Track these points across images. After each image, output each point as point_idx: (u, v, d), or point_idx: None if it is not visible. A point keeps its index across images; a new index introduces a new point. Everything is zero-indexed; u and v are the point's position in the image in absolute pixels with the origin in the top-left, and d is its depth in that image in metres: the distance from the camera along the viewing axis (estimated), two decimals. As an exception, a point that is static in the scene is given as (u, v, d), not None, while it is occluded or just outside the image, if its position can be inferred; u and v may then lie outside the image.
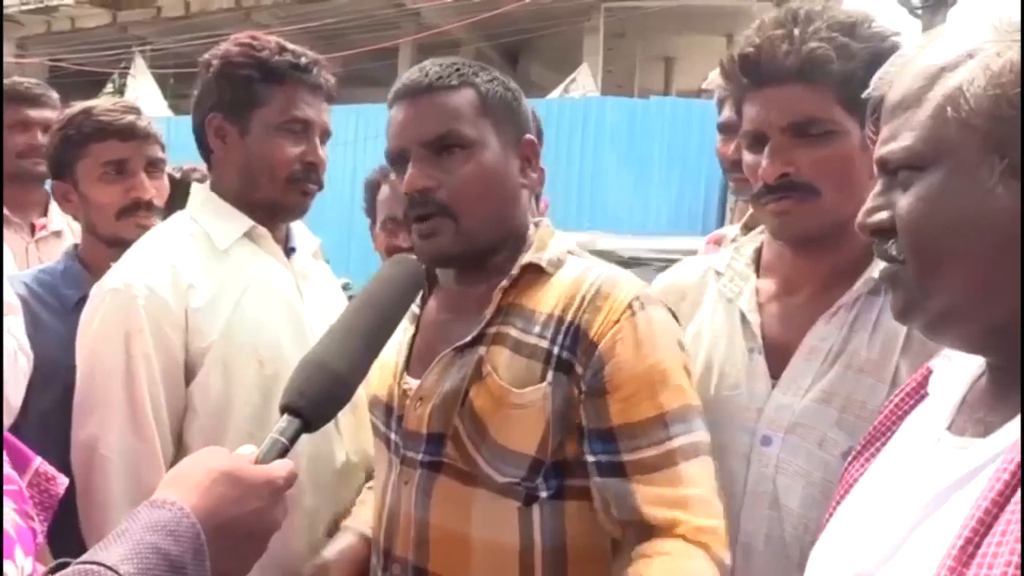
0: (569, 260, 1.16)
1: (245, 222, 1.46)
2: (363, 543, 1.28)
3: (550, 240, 1.18)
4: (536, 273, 1.14)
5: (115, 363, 1.34)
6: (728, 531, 1.02)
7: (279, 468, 0.80)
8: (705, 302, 1.29)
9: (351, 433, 1.48)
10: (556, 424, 1.06)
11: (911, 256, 0.71)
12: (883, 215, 0.73)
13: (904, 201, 0.71)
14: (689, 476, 1.02)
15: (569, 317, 1.08)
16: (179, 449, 1.39)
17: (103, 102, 1.76)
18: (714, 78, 1.82)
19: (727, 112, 1.80)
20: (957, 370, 0.79)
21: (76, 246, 1.82)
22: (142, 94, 13.81)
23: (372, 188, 2.14)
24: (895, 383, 1.09)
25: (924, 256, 0.70)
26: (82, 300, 1.57)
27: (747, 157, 1.18)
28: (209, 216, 1.47)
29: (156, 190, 1.75)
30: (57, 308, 1.64)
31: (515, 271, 1.13)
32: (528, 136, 1.19)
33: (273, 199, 1.47)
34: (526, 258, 1.14)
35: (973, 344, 0.72)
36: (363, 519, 1.32)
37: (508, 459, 1.07)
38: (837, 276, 1.17)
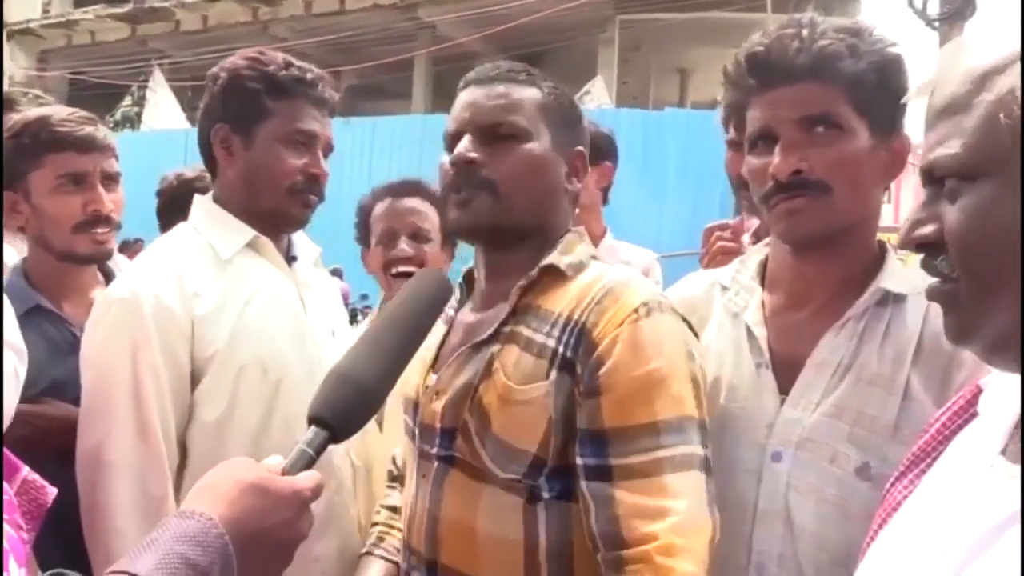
0: (592, 265, 1.17)
1: (247, 232, 1.49)
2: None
3: (577, 246, 1.18)
4: (556, 276, 1.14)
5: (122, 372, 1.35)
6: (710, 546, 0.98)
7: (306, 480, 0.80)
8: (712, 317, 1.26)
9: (355, 437, 1.50)
10: (559, 424, 1.06)
11: (964, 274, 0.65)
12: (929, 228, 0.68)
13: (953, 214, 0.65)
14: (673, 488, 0.99)
15: (576, 316, 1.08)
16: (183, 456, 1.41)
17: (58, 110, 1.70)
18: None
19: (734, 130, 1.79)
20: (1010, 389, 0.73)
21: (24, 260, 1.73)
22: (161, 106, 13.96)
23: (365, 212, 2.07)
24: (906, 396, 1.07)
25: (978, 274, 0.64)
26: (23, 317, 1.55)
27: (752, 161, 1.16)
28: (212, 226, 1.50)
29: (113, 203, 1.69)
30: None
31: (534, 272, 1.14)
32: (579, 148, 1.21)
33: (275, 209, 1.49)
34: (547, 260, 1.15)
35: None
36: (392, 544, 1.33)
37: (510, 455, 1.07)
38: (844, 287, 1.15)
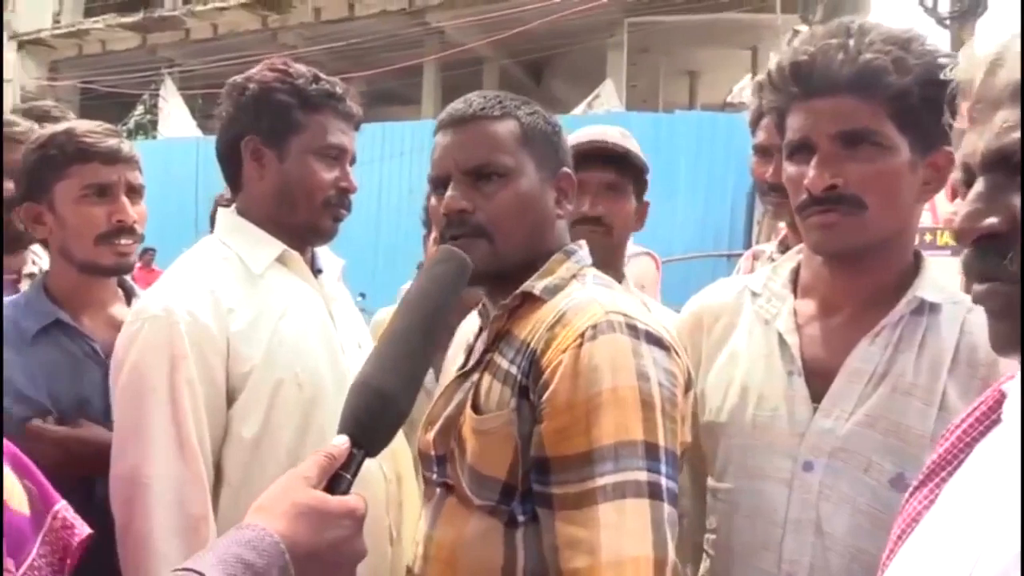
0: (570, 286, 1.15)
1: (277, 246, 1.48)
2: None
3: (559, 267, 1.17)
4: (533, 301, 1.14)
5: (159, 391, 1.32)
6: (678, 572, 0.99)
7: (356, 500, 0.82)
8: (741, 324, 1.25)
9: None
10: (526, 450, 1.06)
11: None
12: (996, 219, 0.60)
13: None
14: (605, 519, 0.97)
15: (531, 343, 1.09)
16: (217, 474, 1.38)
17: (84, 123, 1.71)
18: (746, 97, 1.78)
19: (762, 134, 1.76)
20: None
21: (46, 274, 1.73)
22: (172, 115, 14.03)
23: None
24: (943, 406, 1.06)
25: None
26: (41, 332, 1.57)
27: (789, 169, 1.15)
28: (241, 240, 1.48)
29: (137, 215, 1.69)
30: (14, 340, 1.57)
31: (509, 300, 1.15)
32: (565, 170, 1.22)
33: (308, 223, 1.49)
34: (523, 286, 1.15)
35: None
36: None
37: (482, 483, 1.09)
38: (878, 296, 1.14)
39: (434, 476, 1.19)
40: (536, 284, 1.14)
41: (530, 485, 1.06)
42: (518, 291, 1.14)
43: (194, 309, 1.35)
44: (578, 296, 1.10)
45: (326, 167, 1.48)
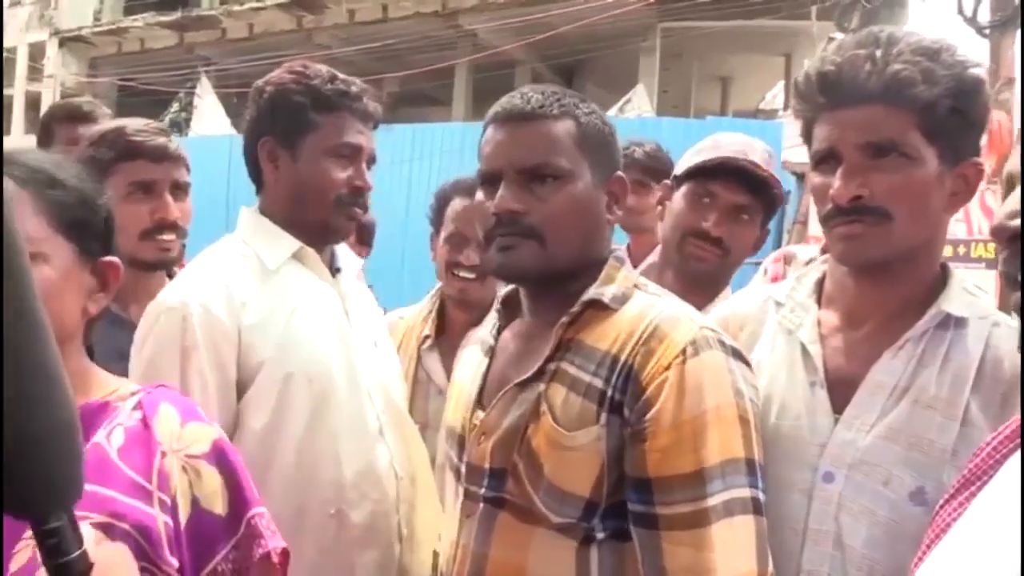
0: (636, 295, 1.13)
1: (293, 243, 1.51)
2: None
3: (618, 274, 1.15)
4: (599, 309, 1.12)
5: (170, 380, 1.34)
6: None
7: None
8: (765, 333, 1.25)
9: (399, 447, 1.52)
10: (612, 466, 1.05)
11: None
12: None
13: None
14: (721, 540, 0.98)
15: (624, 357, 1.06)
16: None
17: (134, 122, 1.77)
18: (779, 104, 1.75)
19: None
20: None
21: None
22: (207, 113, 14.21)
23: (443, 199, 2.07)
24: (965, 421, 1.05)
25: None
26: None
27: (815, 179, 1.14)
28: (258, 237, 1.51)
29: (181, 212, 1.75)
30: None
31: (576, 307, 1.12)
32: (619, 174, 1.19)
33: (321, 221, 1.52)
34: (589, 294, 1.12)
35: None
36: None
37: (563, 500, 1.06)
38: (903, 309, 1.13)
39: (482, 491, 1.12)
40: (603, 292, 1.12)
41: (616, 499, 1.04)
42: (586, 298, 1.11)
43: (207, 302, 1.38)
44: (664, 308, 1.09)
45: (339, 166, 1.50)
